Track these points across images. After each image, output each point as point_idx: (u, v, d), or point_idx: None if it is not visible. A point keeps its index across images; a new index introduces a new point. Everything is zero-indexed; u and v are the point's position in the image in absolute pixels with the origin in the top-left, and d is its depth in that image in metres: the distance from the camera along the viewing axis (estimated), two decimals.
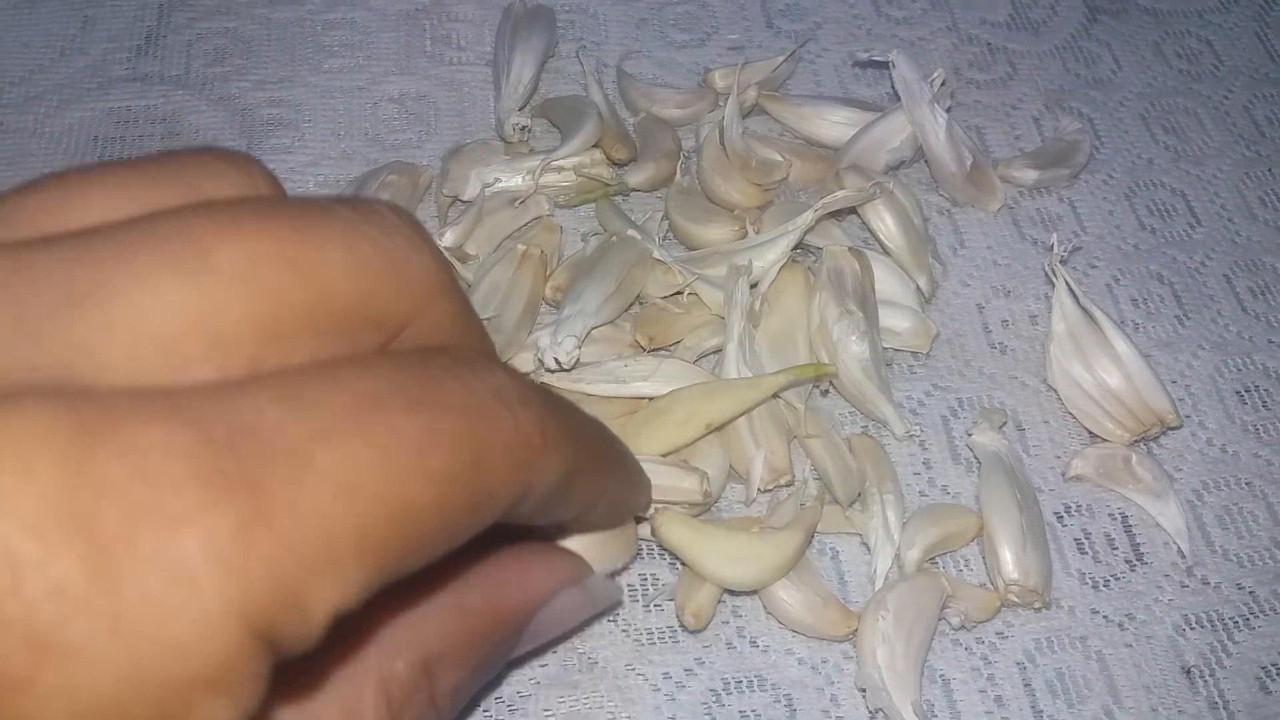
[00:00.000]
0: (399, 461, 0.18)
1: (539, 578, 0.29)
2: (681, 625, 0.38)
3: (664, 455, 0.40)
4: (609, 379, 0.42)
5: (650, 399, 0.42)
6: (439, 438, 0.19)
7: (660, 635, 0.39)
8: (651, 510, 0.38)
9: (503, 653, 0.28)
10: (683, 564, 0.39)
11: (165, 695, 0.16)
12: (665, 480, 0.39)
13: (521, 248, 0.45)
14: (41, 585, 0.15)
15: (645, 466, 0.39)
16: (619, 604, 0.35)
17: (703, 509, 0.40)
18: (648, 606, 0.39)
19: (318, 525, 0.17)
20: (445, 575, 0.27)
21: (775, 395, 0.41)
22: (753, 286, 0.43)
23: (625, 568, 0.38)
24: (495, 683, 0.37)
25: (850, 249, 0.44)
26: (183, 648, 0.16)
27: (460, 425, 0.19)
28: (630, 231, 0.45)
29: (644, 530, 0.39)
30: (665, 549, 0.39)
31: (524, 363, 0.42)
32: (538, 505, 0.22)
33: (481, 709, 0.37)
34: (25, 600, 0.15)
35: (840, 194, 0.45)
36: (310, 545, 0.17)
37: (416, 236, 0.22)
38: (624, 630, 0.39)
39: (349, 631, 0.24)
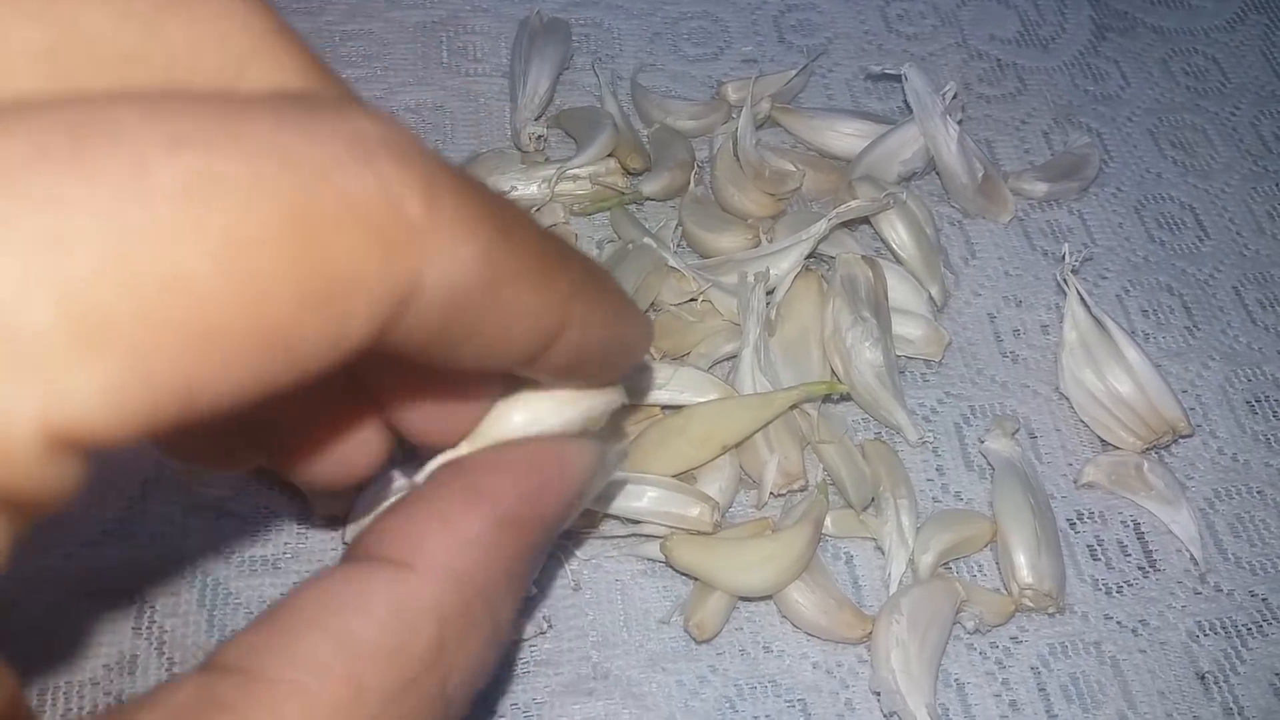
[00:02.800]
0: (147, 213, 0.13)
1: (573, 464, 0.23)
2: (688, 634, 0.38)
3: (678, 473, 0.41)
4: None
5: (665, 407, 0.42)
6: (224, 183, 0.13)
7: (674, 643, 0.39)
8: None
9: (541, 560, 0.23)
10: (694, 579, 0.39)
11: None
12: (674, 509, 0.39)
13: None
14: None
15: (654, 492, 0.39)
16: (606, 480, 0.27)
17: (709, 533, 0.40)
18: (665, 620, 0.39)
19: (17, 293, 0.12)
20: (474, 482, 0.22)
21: (788, 409, 0.41)
22: (768, 294, 0.43)
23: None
24: (509, 688, 0.37)
25: (864, 257, 0.44)
26: None
27: (265, 171, 0.14)
28: (645, 239, 0.45)
29: (655, 549, 0.39)
30: (680, 570, 0.39)
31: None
32: (444, 319, 0.17)
33: (497, 714, 0.37)
34: None
35: (854, 203, 0.45)
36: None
37: None
38: (638, 639, 0.39)
39: (394, 557, 0.20)
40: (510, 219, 0.18)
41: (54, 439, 0.13)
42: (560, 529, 0.24)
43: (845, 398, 0.44)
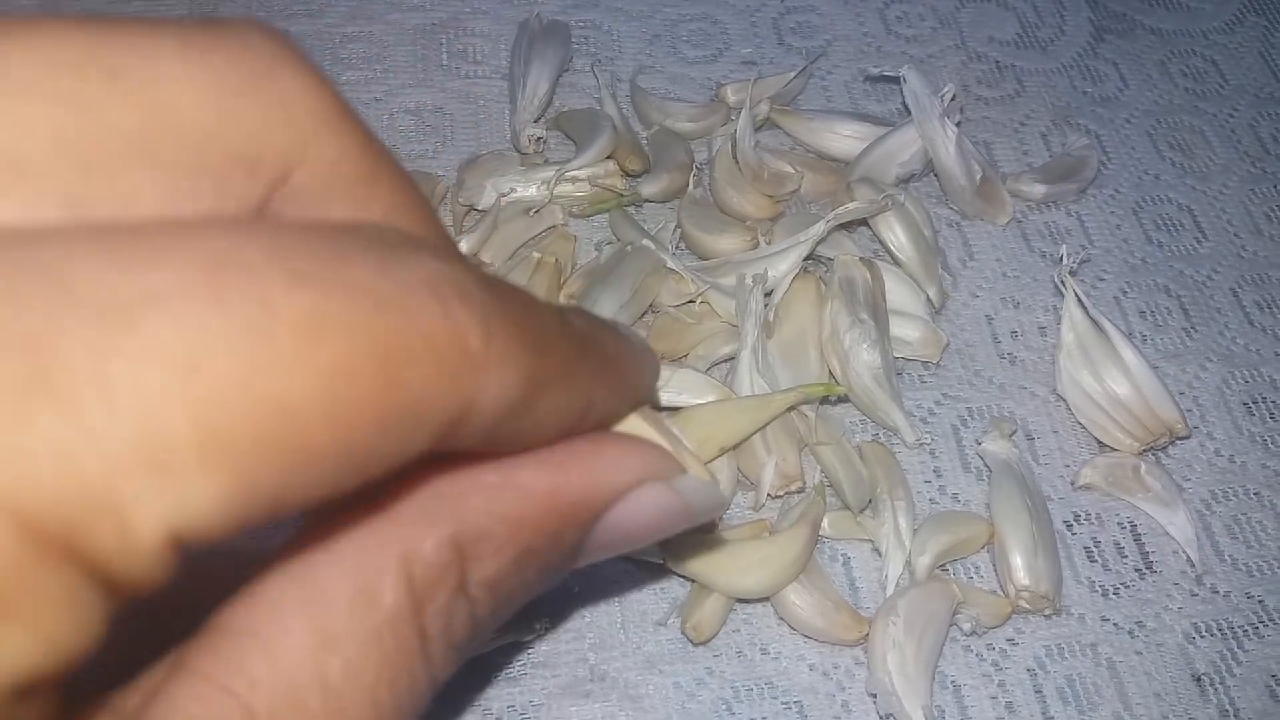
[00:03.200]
0: (269, 344, 0.14)
1: (616, 465, 0.23)
2: (685, 635, 0.39)
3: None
4: None
5: (662, 409, 0.42)
6: (331, 321, 0.15)
7: (671, 645, 0.39)
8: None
9: (561, 554, 0.22)
10: (692, 580, 0.39)
11: None
12: None
13: (536, 256, 0.45)
14: None
15: None
16: (722, 511, 0.27)
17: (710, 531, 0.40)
18: (662, 622, 0.39)
19: (138, 407, 0.13)
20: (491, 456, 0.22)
21: (785, 411, 0.41)
22: (766, 296, 0.44)
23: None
24: (506, 690, 0.37)
25: (862, 259, 0.45)
26: None
27: (364, 311, 0.15)
28: (644, 241, 0.46)
29: (652, 550, 0.39)
30: (677, 572, 0.39)
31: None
32: (492, 428, 0.18)
33: (495, 717, 0.37)
34: None
35: (852, 205, 0.45)
36: (124, 432, 0.13)
37: (287, 50, 0.18)
38: (635, 641, 0.39)
39: (367, 498, 0.20)
40: (545, 332, 0.19)
41: (171, 537, 0.14)
42: (605, 537, 0.23)
43: (843, 399, 0.44)
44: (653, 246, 0.45)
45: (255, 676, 0.18)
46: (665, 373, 0.42)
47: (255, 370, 0.14)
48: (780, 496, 0.41)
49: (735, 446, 0.41)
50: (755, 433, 0.41)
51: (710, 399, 0.42)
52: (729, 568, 0.38)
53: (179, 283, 0.14)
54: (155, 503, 0.14)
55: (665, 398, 0.42)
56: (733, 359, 0.43)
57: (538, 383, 0.18)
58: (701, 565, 0.38)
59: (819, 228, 0.44)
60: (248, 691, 0.18)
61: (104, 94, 0.16)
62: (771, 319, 0.44)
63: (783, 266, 0.44)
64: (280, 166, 0.18)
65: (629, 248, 0.46)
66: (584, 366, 0.21)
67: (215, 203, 0.17)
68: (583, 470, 0.22)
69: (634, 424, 0.24)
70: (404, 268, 0.16)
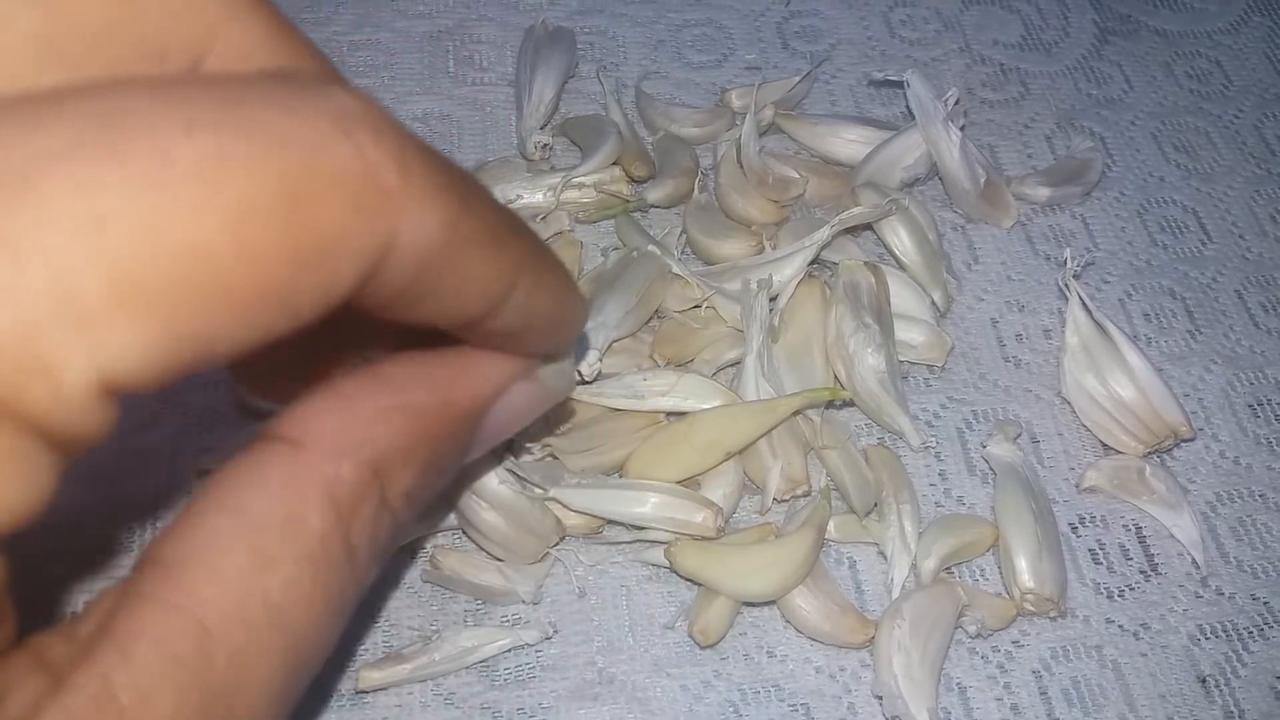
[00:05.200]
0: (173, 188, 0.15)
1: (488, 373, 0.26)
2: (692, 639, 0.39)
3: (682, 480, 0.41)
4: (629, 393, 0.42)
5: (668, 414, 0.42)
6: (229, 163, 0.15)
7: (678, 648, 0.39)
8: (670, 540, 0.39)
9: (457, 453, 0.26)
10: (698, 584, 0.40)
11: None
12: (677, 515, 0.40)
13: None
14: None
15: (658, 498, 0.40)
16: (569, 391, 0.31)
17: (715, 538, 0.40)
18: (669, 625, 0.39)
19: (45, 260, 0.14)
20: (386, 376, 0.24)
21: (791, 416, 0.42)
22: (771, 300, 0.44)
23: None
24: (515, 693, 0.38)
25: (866, 263, 0.45)
26: None
27: (263, 149, 0.16)
28: (649, 247, 0.46)
29: (659, 554, 0.40)
30: (684, 576, 0.40)
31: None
32: (413, 277, 0.19)
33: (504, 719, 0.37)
34: None
35: (857, 210, 0.46)
36: (36, 285, 0.14)
37: None
38: (642, 645, 0.39)
39: (287, 435, 0.22)
40: (470, 190, 0.20)
41: (100, 386, 0.15)
42: (487, 431, 0.26)
43: (848, 403, 0.44)
44: (658, 252, 0.46)
45: (203, 596, 0.19)
46: (670, 378, 0.42)
47: (159, 218, 0.15)
48: (786, 500, 0.42)
49: (741, 451, 0.41)
50: (761, 437, 0.41)
51: (716, 403, 0.42)
52: (735, 571, 0.39)
53: (72, 142, 0.14)
54: (79, 354, 0.14)
55: (671, 403, 0.42)
56: (738, 364, 0.44)
57: (459, 234, 0.19)
58: (708, 569, 0.39)
59: (824, 233, 0.45)
60: (199, 609, 0.19)
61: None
62: (776, 324, 0.44)
63: (788, 271, 0.45)
64: (189, 56, 0.19)
65: (635, 253, 0.46)
66: (514, 245, 0.22)
67: None
68: (466, 382, 0.25)
69: None
70: (309, 104, 0.16)
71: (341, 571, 0.22)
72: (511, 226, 0.23)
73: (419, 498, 0.24)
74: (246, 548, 0.20)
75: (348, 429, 0.22)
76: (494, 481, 0.38)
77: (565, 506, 0.40)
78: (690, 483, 0.41)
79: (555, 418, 0.41)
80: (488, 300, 0.22)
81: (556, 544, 0.40)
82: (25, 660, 0.18)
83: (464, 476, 0.38)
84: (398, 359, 0.25)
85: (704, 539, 0.40)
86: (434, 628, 0.39)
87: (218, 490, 0.21)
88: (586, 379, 0.42)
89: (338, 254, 0.17)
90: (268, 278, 0.16)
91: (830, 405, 0.43)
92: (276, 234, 0.16)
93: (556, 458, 0.41)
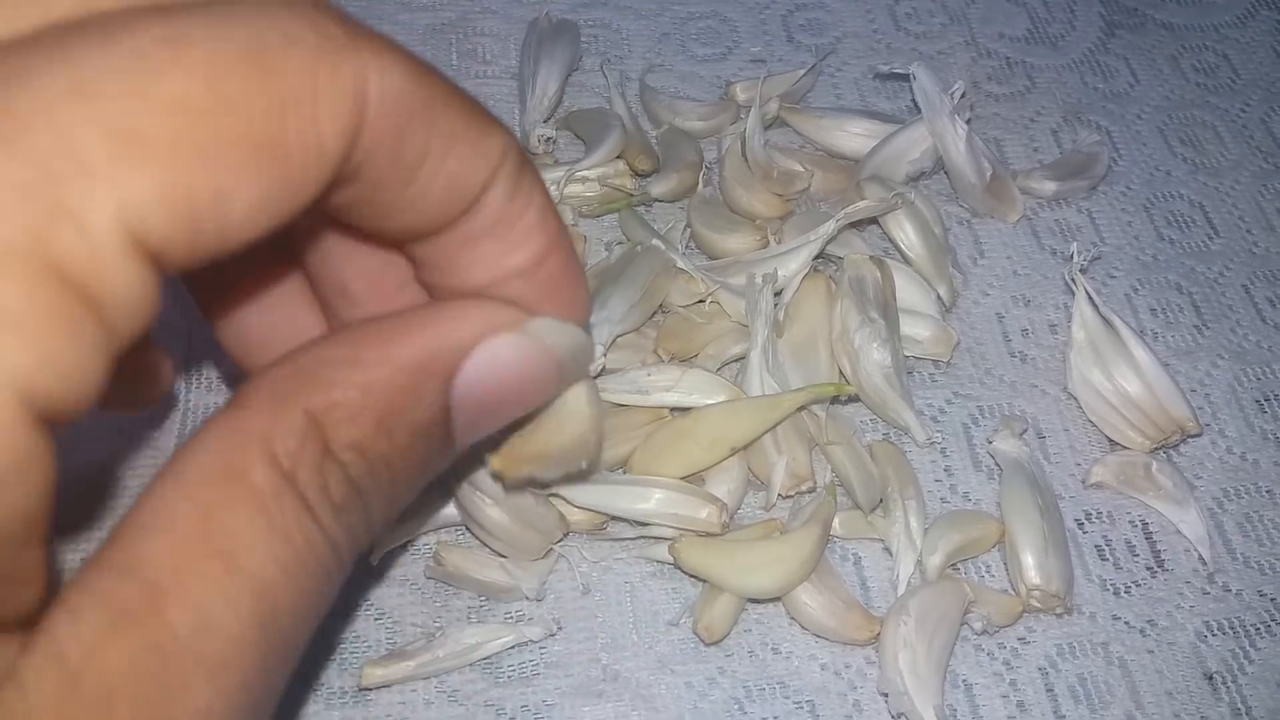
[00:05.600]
0: (144, 59, 0.17)
1: (454, 323, 0.24)
2: (697, 636, 0.39)
3: (687, 475, 0.41)
4: (633, 389, 0.42)
5: (673, 410, 0.42)
6: (199, 32, 0.18)
7: (683, 645, 0.39)
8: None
9: (428, 412, 0.24)
10: (703, 581, 0.39)
11: None
12: (682, 510, 0.39)
13: None
14: None
15: (662, 494, 0.40)
16: (590, 358, 0.28)
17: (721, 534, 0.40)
18: (674, 622, 0.39)
19: (49, 126, 0.16)
20: (338, 334, 0.24)
21: (795, 411, 0.41)
22: (776, 295, 0.44)
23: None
24: (520, 690, 0.38)
25: (872, 257, 0.45)
26: None
27: (220, 21, 0.18)
28: (653, 241, 0.46)
29: (664, 551, 0.40)
30: (688, 573, 0.40)
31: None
32: (392, 137, 0.20)
33: (508, 716, 0.37)
34: None
35: (862, 204, 0.45)
36: (45, 145, 0.16)
37: None
38: (647, 641, 0.39)
39: (230, 402, 0.22)
40: (433, 69, 0.22)
41: (130, 237, 0.16)
42: (472, 394, 0.24)
43: (853, 399, 0.44)
44: (662, 246, 0.45)
45: (152, 557, 0.19)
46: (675, 373, 0.42)
47: (141, 81, 0.17)
48: (791, 496, 0.41)
49: (746, 446, 0.41)
50: (766, 432, 0.41)
51: (720, 398, 0.42)
52: (740, 568, 0.38)
53: (56, 44, 0.17)
54: (99, 199, 0.16)
55: (675, 398, 0.42)
56: (743, 359, 0.43)
57: (432, 90, 0.21)
58: (713, 565, 0.39)
59: (829, 226, 0.44)
60: (146, 568, 0.19)
61: None
62: (781, 318, 0.44)
63: (793, 265, 0.44)
64: None
65: (639, 248, 0.46)
66: (490, 128, 0.23)
67: None
68: (425, 332, 0.24)
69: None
70: (266, 2, 0.19)
71: (299, 520, 0.21)
72: (487, 114, 0.23)
73: (381, 458, 0.23)
74: (192, 508, 0.20)
75: (286, 383, 0.22)
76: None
77: (569, 503, 0.40)
78: (695, 479, 0.41)
79: (576, 469, 0.32)
80: (476, 172, 0.22)
81: (560, 540, 0.40)
82: (14, 635, 0.18)
83: (464, 469, 0.37)
84: (363, 321, 0.24)
85: (709, 535, 0.39)
86: (437, 624, 0.39)
87: (169, 463, 0.21)
88: (590, 375, 0.41)
89: (313, 100, 0.19)
90: (250, 124, 0.18)
91: (835, 400, 0.43)
92: (248, 82, 0.18)
93: None
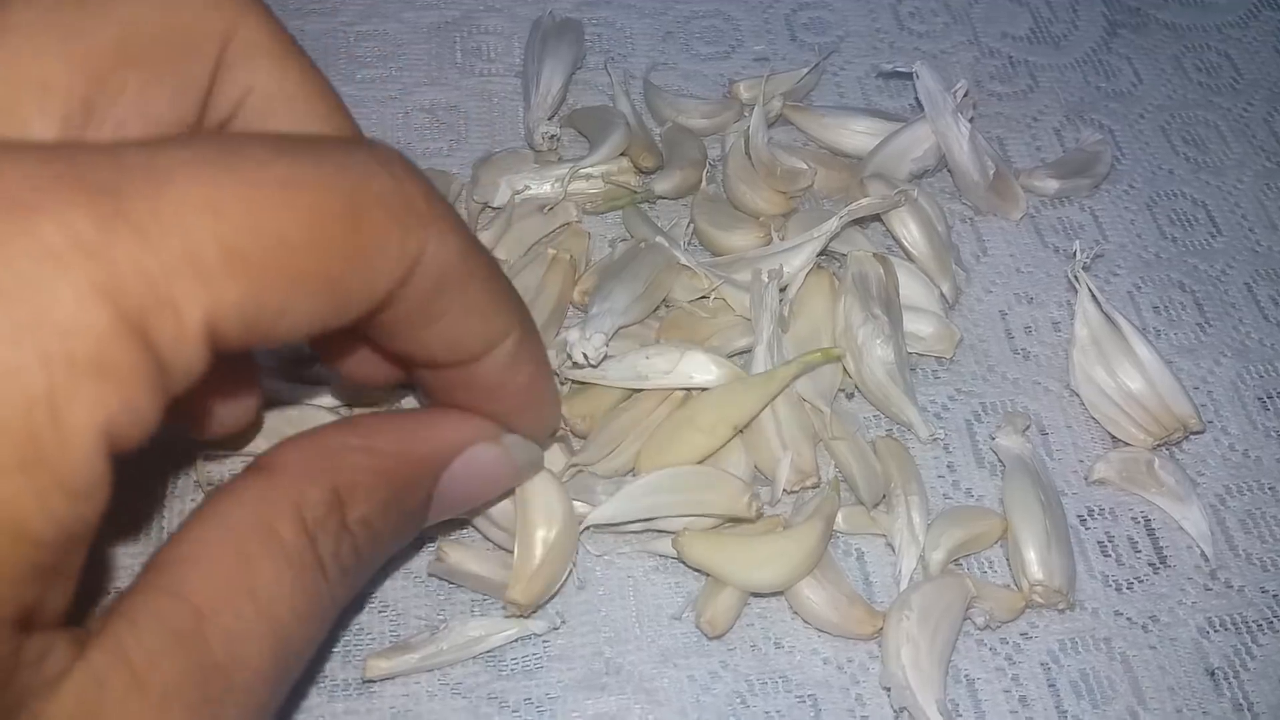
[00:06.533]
0: (265, 193, 0.20)
1: (451, 430, 0.31)
2: (700, 630, 0.39)
3: (697, 462, 0.41)
4: (631, 374, 0.42)
5: (672, 391, 0.42)
6: (307, 178, 0.21)
7: (686, 639, 0.39)
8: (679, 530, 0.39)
9: (418, 499, 0.30)
10: (706, 575, 0.39)
11: (47, 371, 0.17)
12: (711, 495, 0.39)
13: (551, 252, 0.46)
14: None
15: (688, 478, 0.40)
16: (539, 469, 0.36)
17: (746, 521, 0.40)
18: (676, 616, 0.39)
19: (180, 232, 0.19)
20: (356, 422, 0.29)
21: (790, 383, 0.41)
22: (781, 290, 0.44)
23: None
24: (522, 683, 0.38)
25: (875, 254, 0.45)
26: (55, 324, 0.17)
27: (330, 172, 0.21)
28: (657, 238, 0.46)
29: (667, 545, 0.40)
30: (692, 566, 0.40)
31: (550, 360, 0.43)
32: (431, 291, 0.24)
33: (511, 709, 0.37)
34: None
35: (866, 201, 0.45)
36: (173, 248, 0.19)
37: None
38: (650, 635, 0.39)
39: (265, 464, 0.27)
40: (481, 245, 0.26)
41: (206, 330, 0.19)
42: (451, 488, 0.31)
43: (856, 393, 0.44)
44: (666, 243, 0.45)
45: (196, 587, 0.23)
46: (674, 355, 0.42)
47: (257, 211, 0.20)
48: (795, 492, 0.41)
49: (748, 425, 0.41)
50: (765, 407, 0.41)
51: (717, 374, 0.42)
52: (744, 562, 0.38)
53: (198, 156, 0.19)
54: (199, 301, 0.19)
55: (675, 380, 0.42)
56: (747, 352, 0.43)
57: (470, 266, 0.25)
58: (716, 559, 0.39)
59: (832, 224, 0.45)
60: (193, 596, 0.23)
61: (85, 20, 0.23)
62: (786, 314, 0.44)
63: (797, 262, 0.44)
64: (216, 43, 0.25)
65: (642, 244, 0.46)
66: (512, 299, 0.28)
67: (177, 84, 0.25)
68: (427, 434, 0.30)
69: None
70: (359, 147, 0.23)
71: (314, 576, 0.26)
72: (511, 289, 0.29)
73: (377, 533, 0.28)
74: (231, 551, 0.24)
75: (315, 459, 0.27)
76: None
77: (610, 528, 0.40)
78: (711, 468, 0.41)
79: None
80: (485, 339, 0.28)
81: None
82: (59, 631, 0.21)
83: None
84: (369, 414, 0.31)
85: (723, 525, 0.39)
86: (441, 617, 0.39)
87: (207, 507, 0.25)
88: (592, 363, 0.41)
89: (381, 256, 0.22)
90: (329, 266, 0.21)
91: (841, 389, 0.43)
92: (338, 233, 0.21)
93: (582, 470, 0.41)
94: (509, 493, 0.37)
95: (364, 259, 0.22)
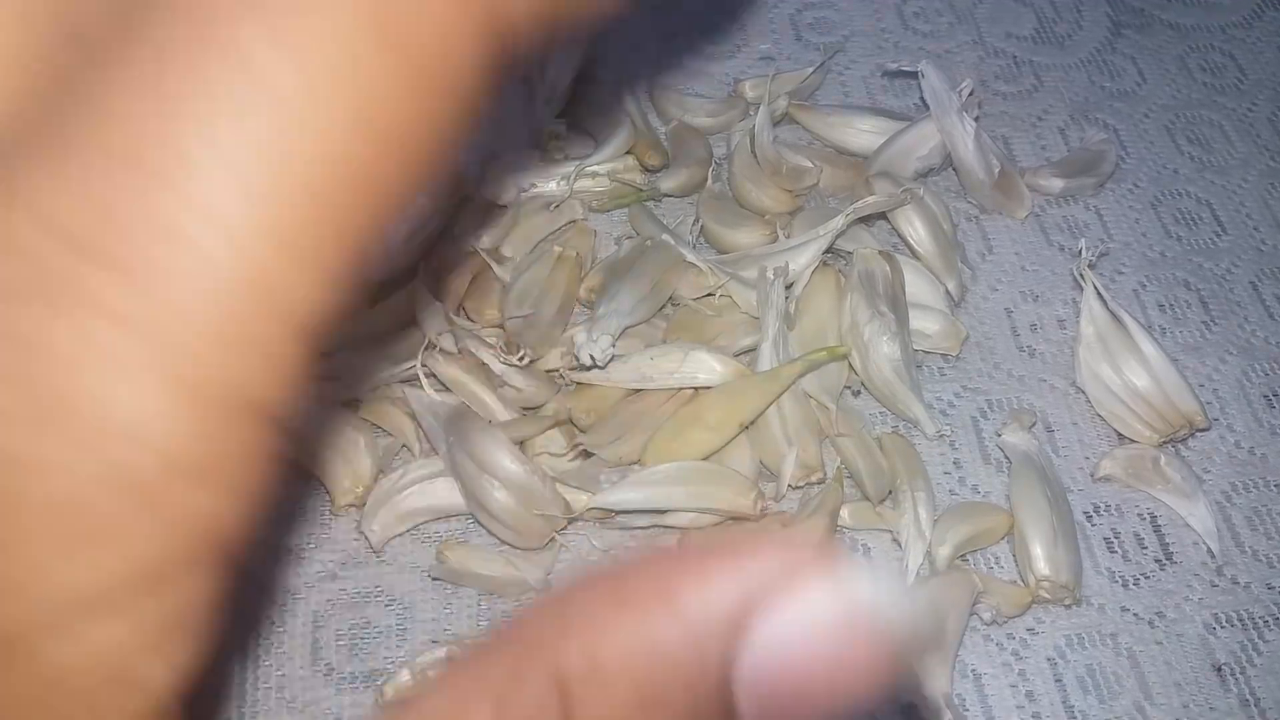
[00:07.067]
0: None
1: (726, 577, 0.17)
2: None
3: (704, 458, 0.41)
4: (636, 375, 0.42)
5: (679, 390, 0.42)
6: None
7: None
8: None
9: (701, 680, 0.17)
10: None
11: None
12: (717, 490, 0.39)
13: (557, 249, 0.46)
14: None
15: (694, 472, 0.40)
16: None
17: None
18: None
19: (226, 238, 0.14)
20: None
21: (796, 381, 0.41)
22: (787, 288, 0.44)
23: None
24: None
25: (881, 252, 0.45)
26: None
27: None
28: (663, 236, 0.46)
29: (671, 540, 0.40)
30: None
31: (557, 359, 0.43)
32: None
33: None
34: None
35: (872, 199, 0.46)
36: (233, 267, 0.14)
37: None
38: None
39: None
40: None
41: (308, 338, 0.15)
42: None
43: (862, 390, 0.44)
44: (672, 241, 0.46)
45: None
46: (678, 355, 0.42)
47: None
48: (800, 487, 0.42)
49: (753, 422, 0.41)
50: (770, 404, 0.41)
51: (721, 373, 0.42)
52: None
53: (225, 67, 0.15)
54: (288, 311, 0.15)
55: (677, 380, 0.42)
56: (753, 350, 0.44)
57: None
58: None
59: (839, 221, 0.45)
60: None
61: None
62: (792, 312, 0.44)
63: (803, 259, 0.44)
64: None
65: (648, 242, 0.46)
66: None
67: None
68: (681, 587, 0.17)
69: None
70: None
71: None
72: None
73: None
74: None
75: (530, 639, 0.17)
76: (506, 460, 0.38)
77: (610, 512, 0.40)
78: (720, 467, 0.41)
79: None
80: None
81: (564, 528, 0.40)
82: None
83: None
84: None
85: (730, 520, 0.40)
86: (447, 611, 0.39)
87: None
88: (599, 364, 0.42)
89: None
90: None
91: (847, 386, 0.43)
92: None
93: (590, 454, 0.41)
94: None
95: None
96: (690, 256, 0.45)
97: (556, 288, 0.45)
